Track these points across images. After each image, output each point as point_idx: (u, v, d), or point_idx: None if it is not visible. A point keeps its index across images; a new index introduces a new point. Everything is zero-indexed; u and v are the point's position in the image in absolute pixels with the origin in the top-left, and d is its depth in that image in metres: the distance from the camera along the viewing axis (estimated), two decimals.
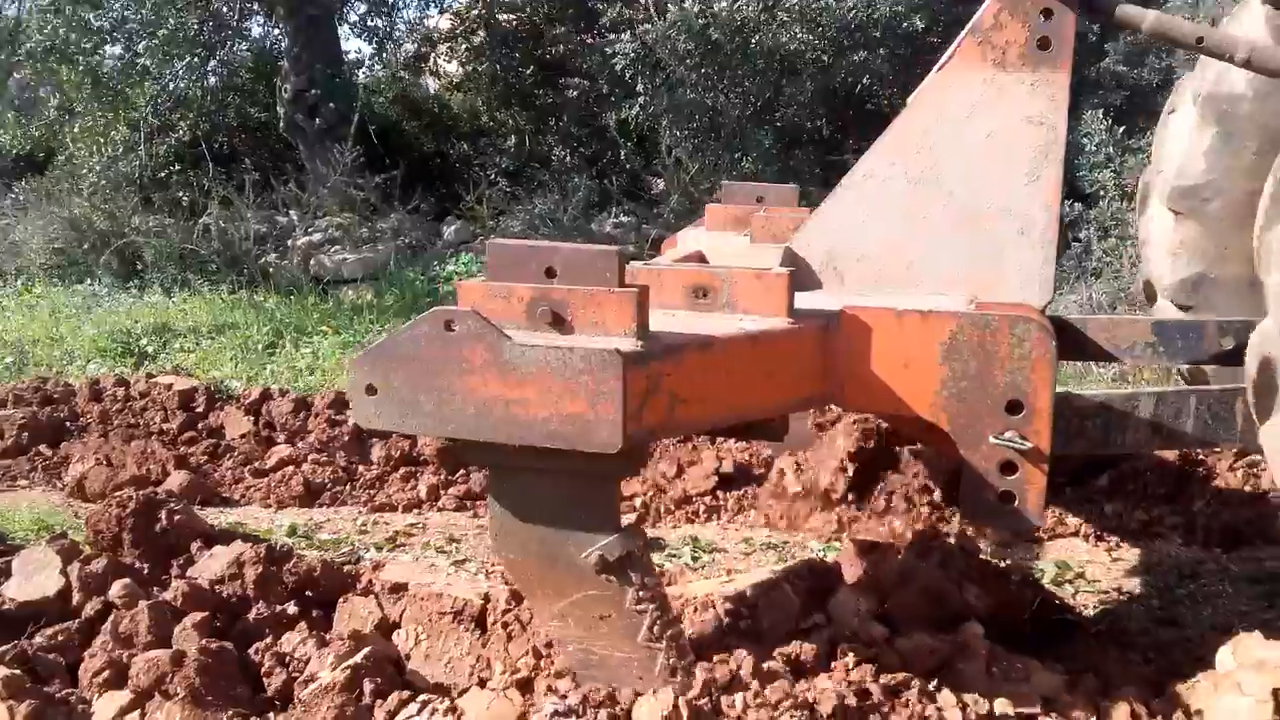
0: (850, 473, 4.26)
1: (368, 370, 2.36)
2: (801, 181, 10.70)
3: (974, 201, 2.97)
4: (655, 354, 2.29)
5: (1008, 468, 2.58)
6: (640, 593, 2.43)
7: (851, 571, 3.08)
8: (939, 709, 2.39)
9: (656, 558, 3.81)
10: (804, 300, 2.77)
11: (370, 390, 2.36)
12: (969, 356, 2.55)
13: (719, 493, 4.58)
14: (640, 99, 11.51)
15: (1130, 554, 3.94)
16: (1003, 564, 3.28)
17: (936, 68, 3.11)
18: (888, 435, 4.37)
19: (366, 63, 16.16)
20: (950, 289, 2.92)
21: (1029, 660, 2.64)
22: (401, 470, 5.03)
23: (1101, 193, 9.43)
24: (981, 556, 3.16)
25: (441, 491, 4.83)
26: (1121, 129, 9.67)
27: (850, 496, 4.26)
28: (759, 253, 3.83)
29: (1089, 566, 3.81)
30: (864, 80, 11.44)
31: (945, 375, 2.57)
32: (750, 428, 2.74)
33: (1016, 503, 2.60)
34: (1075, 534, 4.12)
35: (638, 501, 4.52)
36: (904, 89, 11.62)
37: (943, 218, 2.98)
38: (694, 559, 3.91)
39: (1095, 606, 3.43)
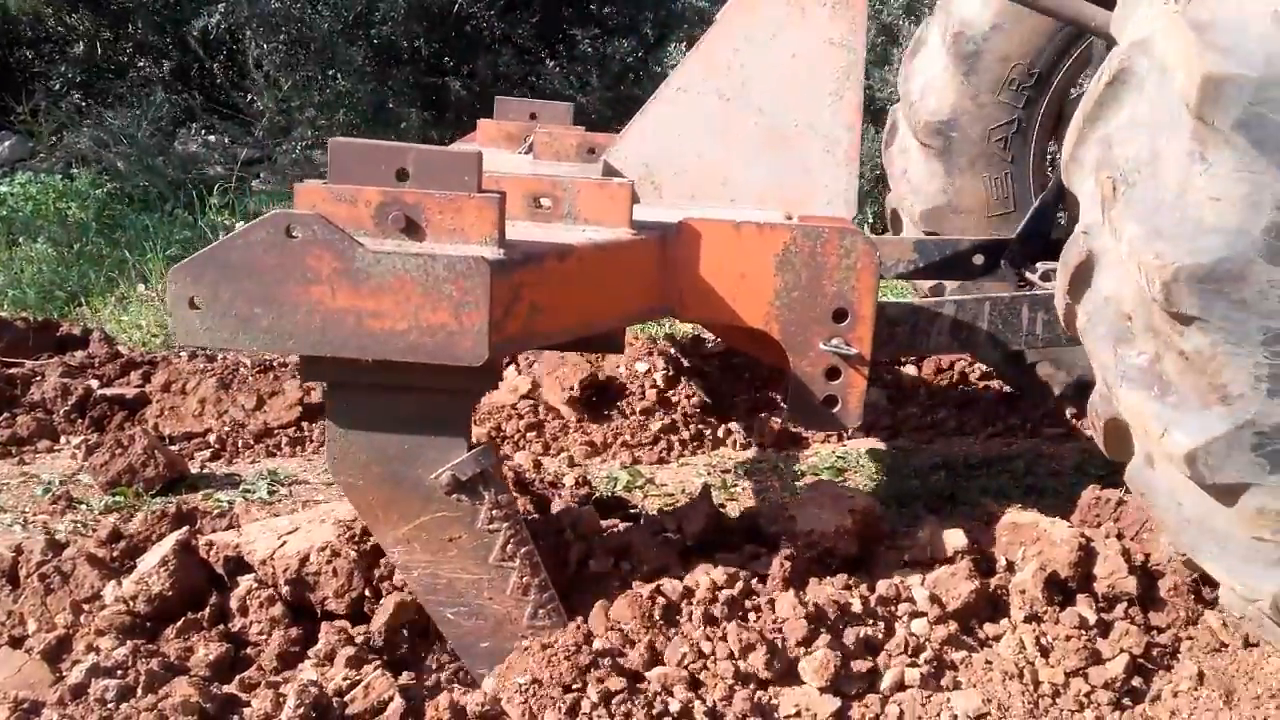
0: None
1: (190, 282, 2.10)
2: (400, 102, 10.43)
3: (782, 120, 3.06)
4: (517, 262, 2.20)
5: (832, 373, 2.72)
6: (493, 511, 2.35)
7: None
8: None
9: (229, 495, 3.65)
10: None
11: (193, 304, 2.11)
12: (800, 267, 2.64)
13: (304, 424, 4.31)
14: (221, 6, 10.51)
15: (699, 459, 4.23)
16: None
17: None
18: None
19: None
20: (763, 204, 3.00)
21: None
22: None
23: None
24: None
25: None
26: None
27: None
28: (540, 169, 3.76)
29: (659, 472, 4.05)
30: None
31: (779, 285, 2.65)
32: (593, 341, 2.71)
33: (839, 406, 2.74)
34: (657, 443, 4.33)
35: (212, 438, 4.17)
36: (501, 13, 11.59)
37: (754, 135, 3.05)
38: (270, 493, 3.70)
39: (662, 507, 3.57)
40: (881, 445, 4.35)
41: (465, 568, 2.40)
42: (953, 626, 2.54)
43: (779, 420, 4.41)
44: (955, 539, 2.80)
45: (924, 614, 2.56)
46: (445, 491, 2.32)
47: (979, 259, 3.80)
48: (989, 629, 2.61)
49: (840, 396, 2.73)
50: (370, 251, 2.09)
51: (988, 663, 2.48)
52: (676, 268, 2.65)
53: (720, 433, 4.45)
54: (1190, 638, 2.63)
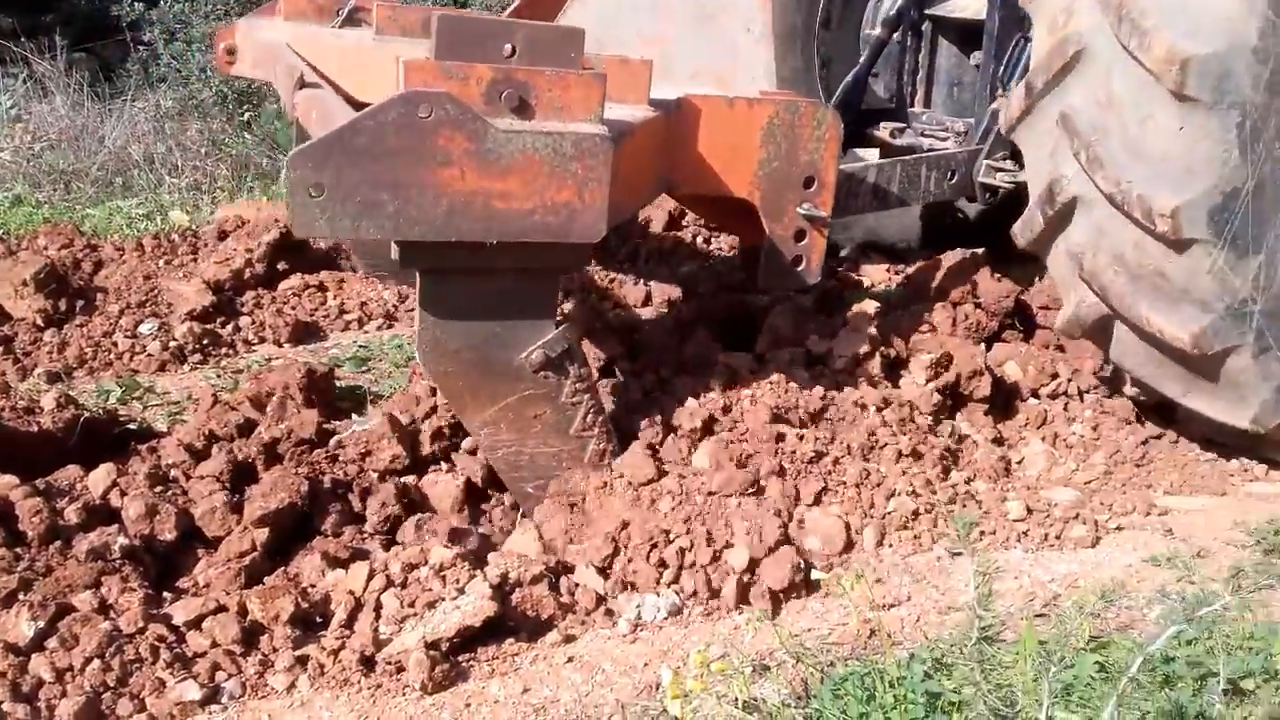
0: None
1: (313, 168, 1.97)
2: None
3: None
4: (614, 139, 2.25)
5: (799, 236, 3.01)
6: (576, 384, 2.43)
7: None
8: None
9: None
10: None
11: (316, 191, 1.97)
12: (781, 139, 2.88)
13: None
14: None
15: (208, 366, 3.91)
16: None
17: None
18: None
19: None
20: (697, 80, 3.19)
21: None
22: None
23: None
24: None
25: None
26: None
27: None
28: (388, 46, 3.62)
29: (160, 380, 3.70)
30: None
31: (762, 156, 2.87)
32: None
33: (804, 265, 3.05)
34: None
35: None
36: None
37: (685, 13, 3.20)
38: None
39: (166, 417, 3.39)
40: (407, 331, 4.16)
41: (548, 441, 2.47)
42: None
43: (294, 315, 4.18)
44: None
45: None
46: (533, 370, 2.37)
47: None
48: None
49: (805, 256, 3.04)
50: (501, 131, 2.06)
51: None
52: (678, 143, 2.78)
53: (229, 331, 4.09)
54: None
